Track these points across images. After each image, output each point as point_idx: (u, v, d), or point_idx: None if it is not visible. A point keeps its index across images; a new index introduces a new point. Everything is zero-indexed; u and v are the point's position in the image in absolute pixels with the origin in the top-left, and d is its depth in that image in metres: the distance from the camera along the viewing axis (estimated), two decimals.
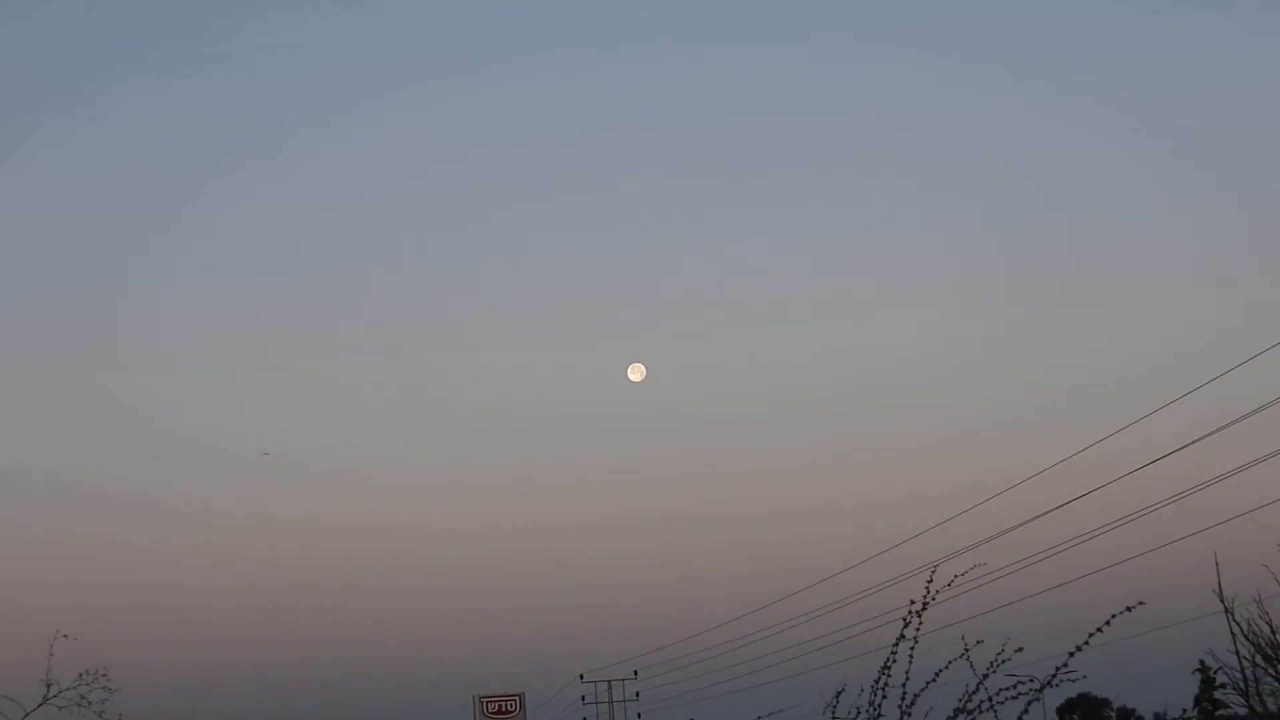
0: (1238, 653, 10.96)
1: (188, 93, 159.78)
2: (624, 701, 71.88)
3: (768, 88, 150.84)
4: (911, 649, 8.66)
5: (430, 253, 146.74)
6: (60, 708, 6.95)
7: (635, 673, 72.35)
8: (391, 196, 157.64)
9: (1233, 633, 10.96)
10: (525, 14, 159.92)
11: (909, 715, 8.48)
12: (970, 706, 8.35)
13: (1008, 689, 8.40)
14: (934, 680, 8.64)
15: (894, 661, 8.64)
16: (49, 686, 6.92)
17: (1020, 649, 8.47)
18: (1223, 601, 10.82)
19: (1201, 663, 10.64)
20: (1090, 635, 8.36)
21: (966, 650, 8.50)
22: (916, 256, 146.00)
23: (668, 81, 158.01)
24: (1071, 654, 8.28)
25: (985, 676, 8.39)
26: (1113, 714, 61.52)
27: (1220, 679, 10.60)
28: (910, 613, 8.87)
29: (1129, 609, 9.00)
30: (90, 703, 6.96)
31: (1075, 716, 57.86)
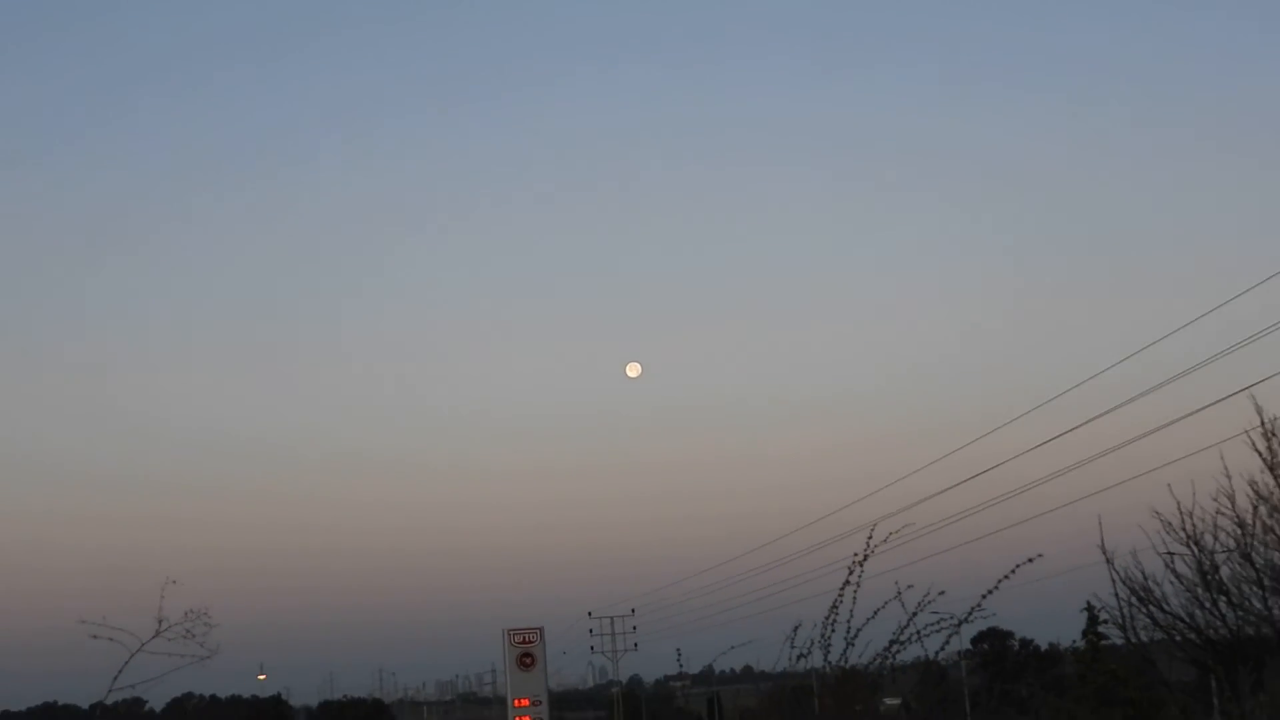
0: (1117, 595, 12.19)
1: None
2: (624, 634, 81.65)
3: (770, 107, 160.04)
4: (855, 592, 9.93)
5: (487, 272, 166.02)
6: (169, 639, 7.91)
7: (633, 610, 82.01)
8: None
9: (1113, 579, 12.12)
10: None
11: (852, 646, 9.77)
12: (902, 639, 9.70)
13: (932, 625, 9.71)
14: (873, 618, 9.95)
15: (841, 602, 9.90)
16: (160, 622, 7.80)
17: (943, 592, 9.81)
18: (1105, 554, 12.10)
19: (1088, 603, 12.32)
20: (999, 581, 9.83)
21: (899, 593, 9.84)
22: (850, 275, 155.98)
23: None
24: (984, 596, 9.71)
25: (914, 615, 9.68)
26: (1015, 644, 65.49)
27: (1102, 616, 12.19)
28: (854, 563, 10.11)
29: (1030, 560, 10.43)
30: (194, 635, 7.87)
31: (985, 645, 61.00)
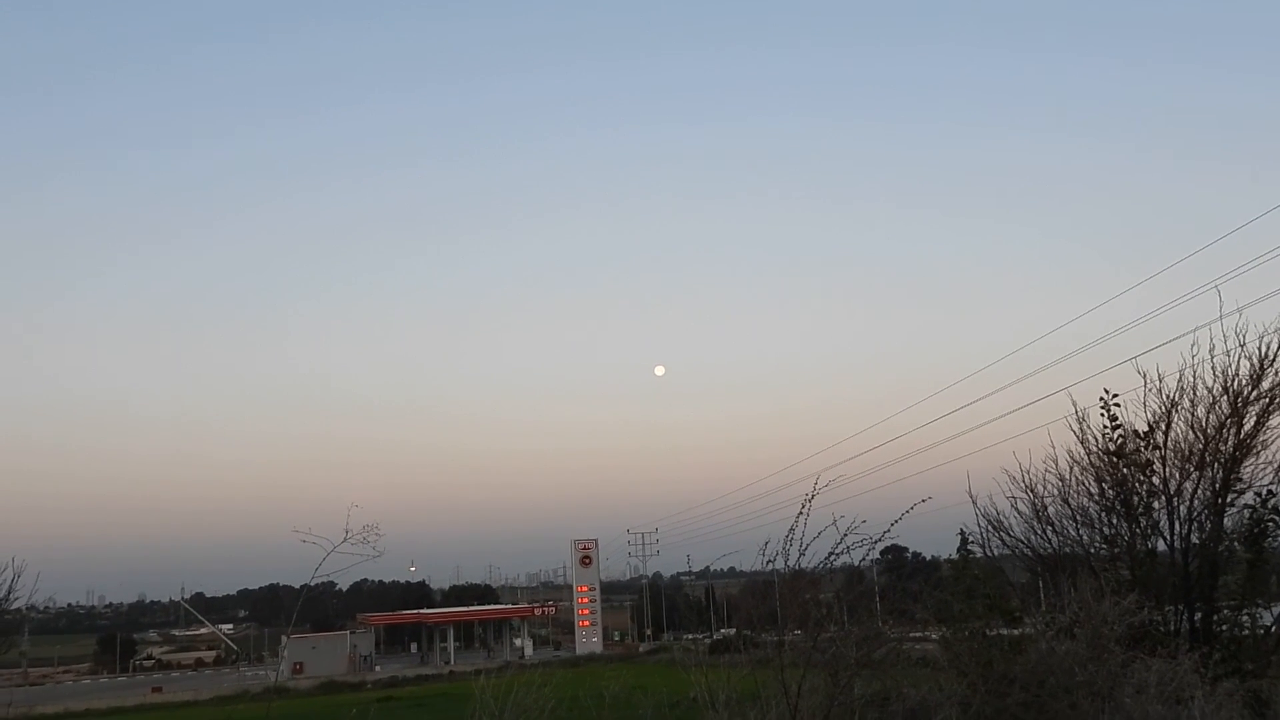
0: (978, 524, 13.36)
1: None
2: (651, 544, 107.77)
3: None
4: (805, 519, 10.07)
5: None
6: (352, 544, 8.31)
7: (657, 528, 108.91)
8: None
9: (976, 514, 13.37)
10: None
11: (803, 555, 10.06)
12: (836, 551, 10.00)
13: (857, 542, 9.96)
14: (817, 537, 10.06)
15: (796, 526, 10.01)
16: (346, 532, 8.28)
17: (864, 521, 9.93)
18: (971, 497, 13.39)
19: (960, 529, 13.80)
20: (901, 515, 10.31)
21: (834, 521, 10.04)
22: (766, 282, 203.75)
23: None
24: (891, 525, 10.24)
25: (845, 535, 9.86)
26: (910, 555, 73.23)
27: (970, 538, 13.51)
28: (806, 499, 10.34)
29: (923, 500, 10.56)
30: (368, 541, 8.51)
31: (890, 556, 67.58)
